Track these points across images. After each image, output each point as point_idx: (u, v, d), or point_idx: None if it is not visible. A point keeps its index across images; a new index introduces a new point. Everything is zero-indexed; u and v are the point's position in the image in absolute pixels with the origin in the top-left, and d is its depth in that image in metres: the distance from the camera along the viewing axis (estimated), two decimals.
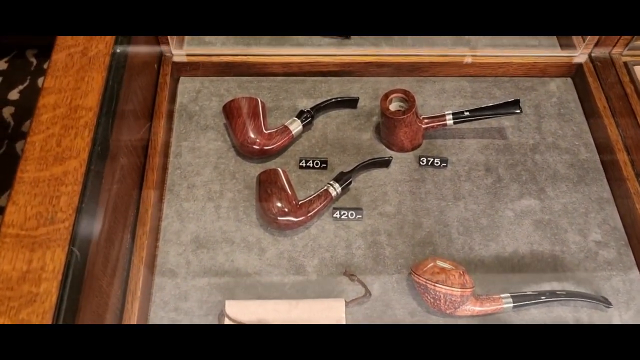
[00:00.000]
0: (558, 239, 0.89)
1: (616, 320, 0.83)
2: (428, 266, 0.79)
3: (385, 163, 0.94)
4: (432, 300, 0.78)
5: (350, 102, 1.01)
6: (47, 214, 0.59)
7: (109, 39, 0.73)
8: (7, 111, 2.10)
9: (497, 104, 0.94)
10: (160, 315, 0.80)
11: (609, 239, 0.90)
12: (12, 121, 2.08)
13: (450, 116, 0.93)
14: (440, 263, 0.80)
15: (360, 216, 0.89)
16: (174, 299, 0.81)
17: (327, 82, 1.05)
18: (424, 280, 0.78)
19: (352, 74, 1.05)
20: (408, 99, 0.91)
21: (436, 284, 0.77)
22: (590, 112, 1.02)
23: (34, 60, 2.16)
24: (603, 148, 0.98)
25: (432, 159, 0.95)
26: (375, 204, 0.92)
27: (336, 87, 1.05)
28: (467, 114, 0.93)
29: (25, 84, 2.14)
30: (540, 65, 1.05)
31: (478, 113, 0.94)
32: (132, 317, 0.75)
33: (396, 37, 1.10)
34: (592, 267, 0.87)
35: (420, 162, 0.95)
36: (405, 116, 0.90)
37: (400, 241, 0.88)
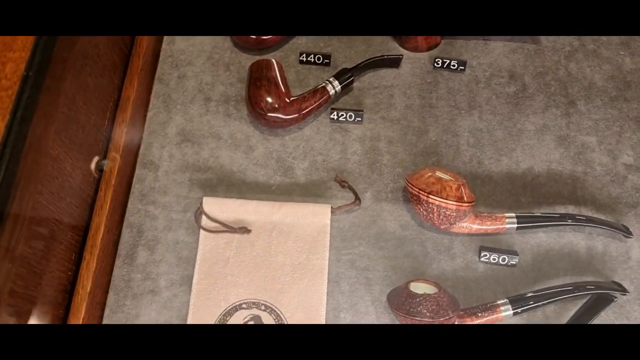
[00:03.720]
0: (582, 159, 0.79)
1: (635, 253, 0.73)
2: (424, 176, 0.71)
3: (394, 62, 0.84)
4: (424, 213, 0.71)
5: None
6: None
7: None
8: None
9: None
10: (138, 207, 0.76)
11: None
12: None
13: None
14: (438, 173, 0.71)
15: (359, 119, 0.81)
16: (152, 192, 0.77)
17: None
18: (417, 190, 0.70)
19: None
20: None
21: (430, 195, 0.69)
22: None
23: None
24: None
25: (448, 61, 0.84)
26: (379, 107, 0.83)
27: None
28: None
29: None
30: None
31: None
32: (105, 206, 0.72)
33: None
34: (617, 192, 0.77)
35: (435, 64, 0.85)
36: None
37: (401, 149, 0.80)
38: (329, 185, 0.78)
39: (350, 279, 0.72)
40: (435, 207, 0.69)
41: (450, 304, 0.66)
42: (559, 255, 0.74)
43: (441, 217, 0.70)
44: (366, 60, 0.82)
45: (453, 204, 0.69)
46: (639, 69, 0.85)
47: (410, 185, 0.71)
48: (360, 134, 0.81)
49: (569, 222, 0.73)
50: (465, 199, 0.69)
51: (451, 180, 0.70)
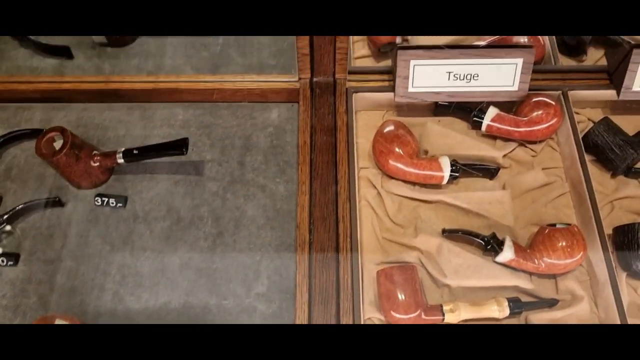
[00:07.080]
0: (219, 291, 0.84)
1: None
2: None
3: (55, 203, 0.89)
4: None
5: (37, 133, 0.95)
6: None
7: None
8: None
9: (164, 143, 0.87)
10: None
11: (274, 291, 0.84)
12: None
13: (121, 155, 0.87)
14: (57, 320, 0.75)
15: (12, 262, 0.85)
16: None
17: (31, 109, 0.99)
18: None
19: (58, 100, 0.99)
20: (64, 137, 0.85)
21: None
22: (300, 144, 0.94)
23: None
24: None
25: (107, 199, 0.89)
26: (37, 248, 0.87)
27: (39, 115, 0.99)
28: (136, 152, 0.87)
29: None
30: (258, 91, 0.97)
31: (146, 152, 0.87)
32: None
33: (107, 62, 1.04)
34: (244, 322, 0.82)
35: (96, 202, 0.90)
36: (56, 157, 0.84)
37: (48, 290, 0.84)
38: None
39: None
40: None
41: None
42: None
43: None
44: (18, 206, 0.87)
45: None
46: (290, 195, 0.91)
47: None
48: (14, 277, 0.85)
49: None
50: None
51: None
